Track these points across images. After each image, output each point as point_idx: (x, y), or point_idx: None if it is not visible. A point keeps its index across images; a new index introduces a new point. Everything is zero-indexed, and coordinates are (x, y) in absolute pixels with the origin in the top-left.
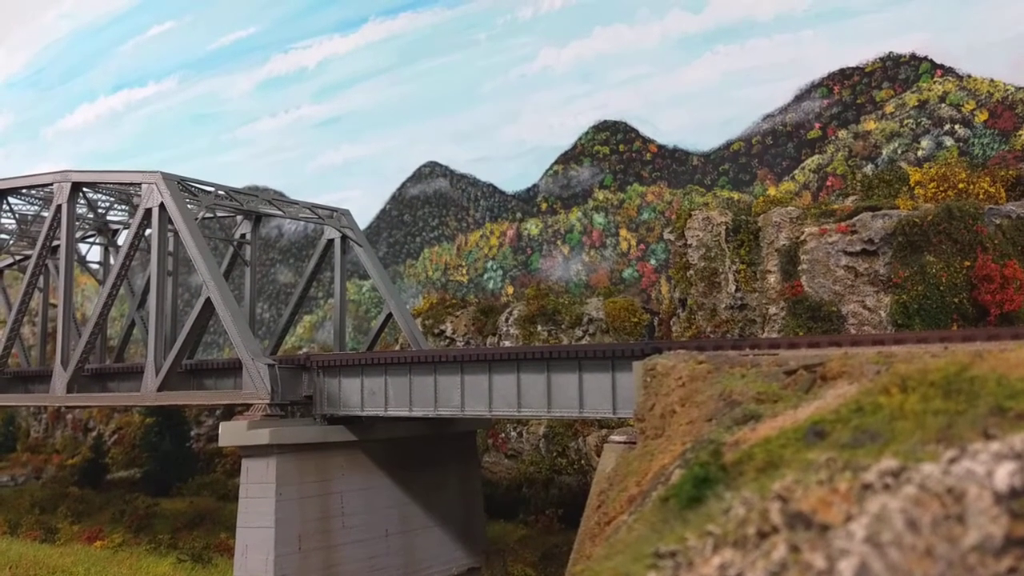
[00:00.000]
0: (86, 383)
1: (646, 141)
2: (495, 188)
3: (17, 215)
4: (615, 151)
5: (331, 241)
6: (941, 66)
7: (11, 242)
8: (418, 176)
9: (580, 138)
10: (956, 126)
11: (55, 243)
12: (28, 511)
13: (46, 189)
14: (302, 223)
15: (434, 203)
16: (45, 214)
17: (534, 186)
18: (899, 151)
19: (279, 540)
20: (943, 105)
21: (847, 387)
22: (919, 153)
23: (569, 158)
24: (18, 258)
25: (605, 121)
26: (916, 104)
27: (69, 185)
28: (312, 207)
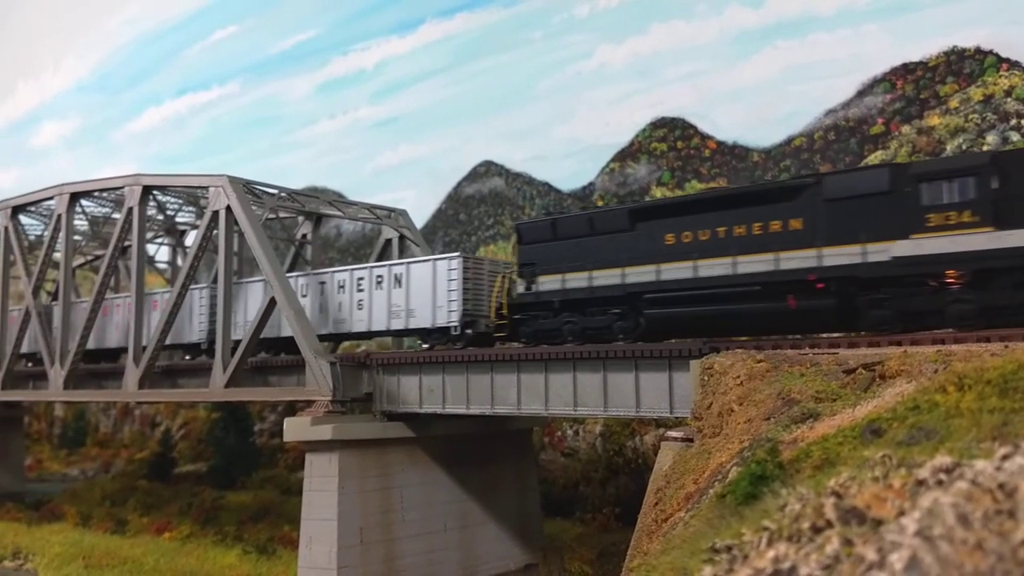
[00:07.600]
0: (157, 379)
1: (704, 137)
2: (551, 186)
3: (89, 217)
4: (672, 148)
5: (389, 241)
6: (1007, 60)
7: (83, 243)
8: (473, 175)
9: (637, 135)
10: (1022, 121)
11: (126, 244)
12: (99, 503)
13: (117, 192)
14: (360, 223)
15: (489, 202)
16: (116, 216)
17: (590, 184)
18: (964, 146)
19: (342, 533)
20: (1009, 99)
21: (905, 386)
22: (984, 148)
23: (626, 155)
24: (89, 258)
25: (662, 118)
26: (981, 99)
27: (140, 188)
28: (370, 207)
